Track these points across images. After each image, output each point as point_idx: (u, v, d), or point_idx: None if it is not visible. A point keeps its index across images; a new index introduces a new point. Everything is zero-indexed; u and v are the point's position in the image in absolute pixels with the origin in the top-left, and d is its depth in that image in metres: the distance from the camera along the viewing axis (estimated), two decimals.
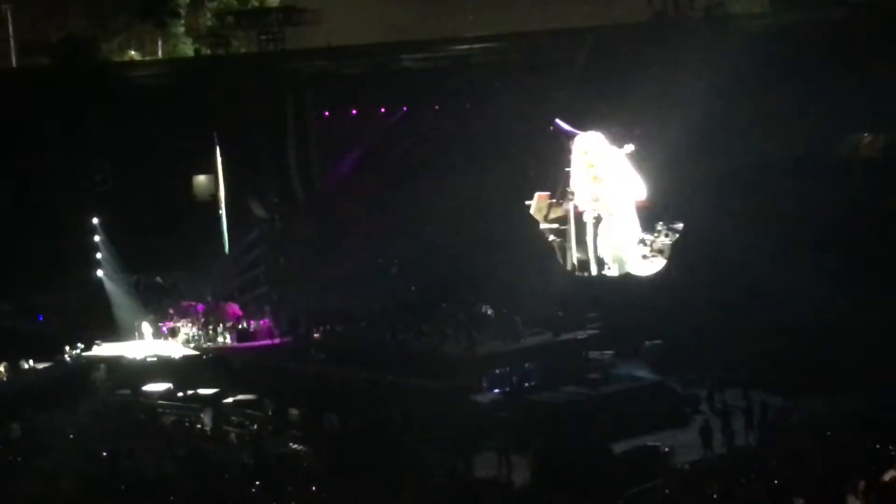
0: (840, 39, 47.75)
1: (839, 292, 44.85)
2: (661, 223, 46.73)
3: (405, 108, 56.55)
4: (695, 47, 47.64)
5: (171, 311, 56.06)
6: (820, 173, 47.68)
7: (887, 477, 28.65)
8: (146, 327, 54.89)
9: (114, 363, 51.88)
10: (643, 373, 47.20)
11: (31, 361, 52.92)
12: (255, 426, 44.17)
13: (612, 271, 51.95)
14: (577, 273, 52.60)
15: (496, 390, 44.38)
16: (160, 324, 55.29)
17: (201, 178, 61.22)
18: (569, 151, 50.70)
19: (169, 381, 49.56)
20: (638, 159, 49.08)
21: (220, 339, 54.02)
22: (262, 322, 54.84)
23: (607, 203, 51.72)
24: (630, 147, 49.07)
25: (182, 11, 68.45)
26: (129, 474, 37.53)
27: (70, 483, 37.10)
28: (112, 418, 46.06)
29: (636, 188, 49.55)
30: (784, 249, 46.33)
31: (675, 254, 50.42)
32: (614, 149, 50.70)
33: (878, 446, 32.54)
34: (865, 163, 49.27)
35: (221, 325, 54.40)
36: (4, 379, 51.73)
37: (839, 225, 46.28)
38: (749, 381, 43.48)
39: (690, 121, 48.25)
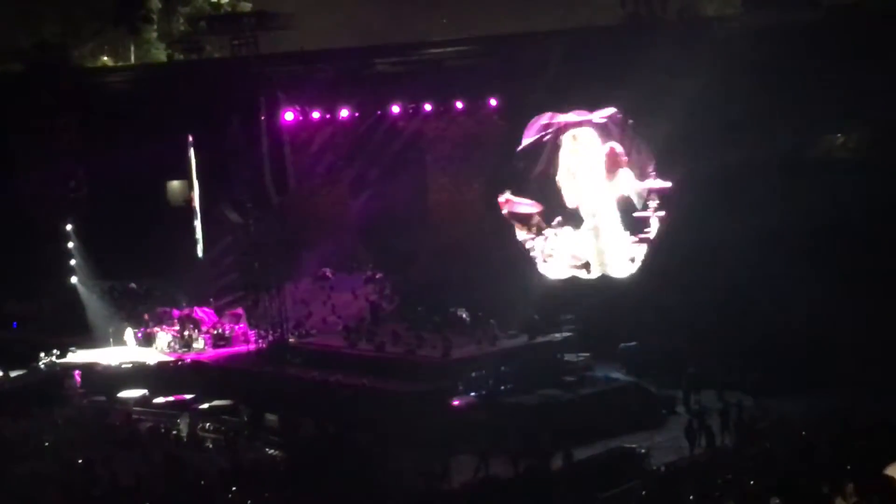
0: (813, 41, 47.87)
1: (814, 293, 44.97)
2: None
3: (379, 112, 56.49)
4: (668, 49, 47.70)
5: (146, 317, 55.90)
6: (794, 174, 47.78)
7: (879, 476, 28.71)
8: (129, 334, 54.69)
9: (89, 370, 51.70)
10: (619, 374, 47.26)
11: (5, 369, 52.74)
12: (232, 432, 44.08)
13: (591, 274, 52.36)
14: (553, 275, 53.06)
15: (472, 393, 44.36)
16: (136, 330, 55.12)
17: (175, 184, 61.14)
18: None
19: (144, 388, 49.48)
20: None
21: (195, 344, 53.90)
22: (237, 327, 54.77)
23: (589, 201, 52.14)
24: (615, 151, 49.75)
25: (155, 17, 68.44)
26: (105, 481, 37.40)
27: (45, 490, 36.98)
28: (87, 425, 45.91)
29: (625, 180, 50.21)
30: (759, 250, 46.42)
31: (651, 255, 50.68)
32: (600, 151, 51.17)
33: (853, 446, 32.64)
34: (839, 163, 49.40)
35: (197, 330, 54.28)
36: None
37: (813, 225, 46.38)
38: (724, 383, 43.59)
39: (664, 123, 48.35)
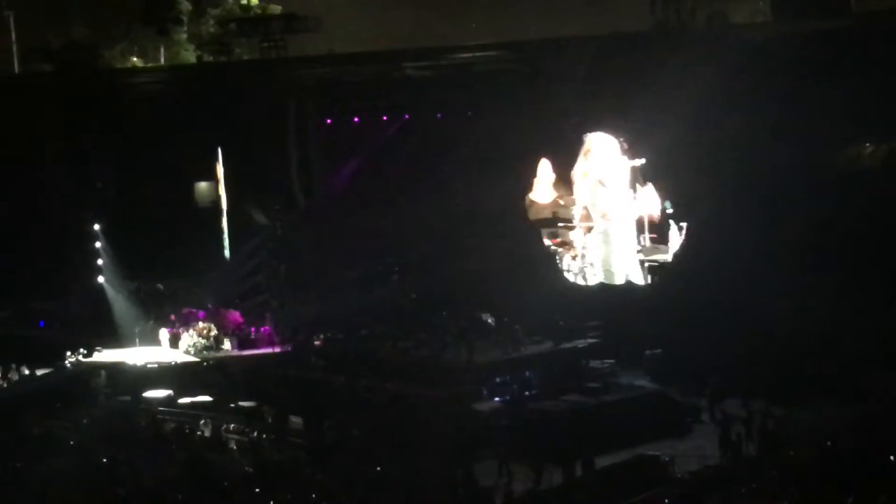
0: (842, 49, 47.76)
1: (840, 301, 44.85)
2: None
3: (406, 116, 56.53)
4: (697, 56, 47.63)
5: (172, 317, 55.95)
6: (822, 183, 47.66)
7: None
8: (163, 334, 54.71)
9: (114, 369, 51.85)
10: (643, 382, 47.19)
11: (31, 368, 52.95)
12: (255, 433, 44.14)
13: (597, 279, 52.34)
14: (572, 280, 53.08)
15: (496, 398, 44.36)
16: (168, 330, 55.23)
17: (202, 185, 61.29)
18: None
19: (169, 388, 49.58)
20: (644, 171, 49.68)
21: (221, 345, 53.94)
22: (262, 329, 54.80)
23: (603, 209, 52.12)
24: (640, 161, 49.67)
25: (184, 18, 68.58)
26: (129, 481, 37.51)
27: (70, 489, 37.11)
28: (112, 425, 46.02)
29: (648, 203, 50.14)
30: (785, 259, 46.31)
31: (677, 262, 50.58)
32: (623, 158, 51.13)
33: (878, 456, 32.53)
34: (867, 172, 49.28)
35: (222, 332, 54.31)
36: (2, 383, 51.86)
37: (840, 234, 46.27)
38: (749, 391, 43.44)
39: (691, 130, 48.26)
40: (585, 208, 53.37)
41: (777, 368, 44.73)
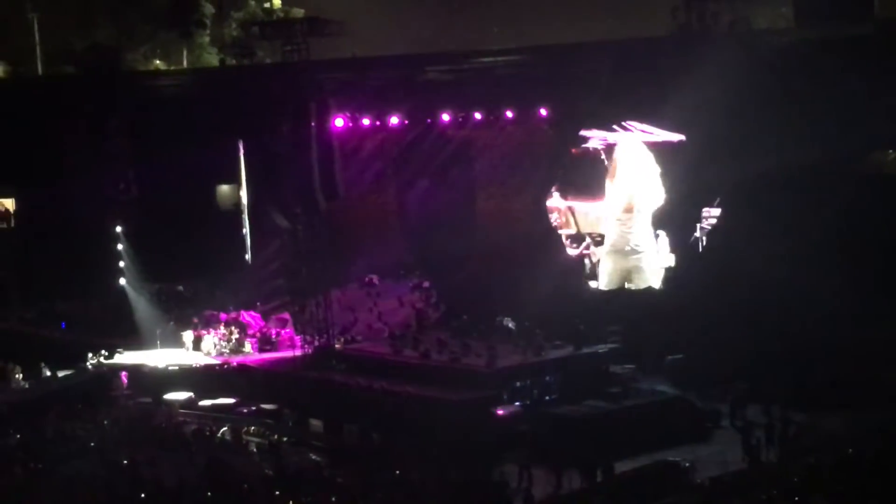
0: (864, 55, 47.63)
1: (862, 308, 44.73)
2: None
3: (428, 120, 56.59)
4: (719, 61, 47.52)
5: (195, 320, 56.06)
6: (844, 189, 47.54)
7: None
8: (188, 335, 54.76)
9: (136, 371, 51.97)
10: (664, 387, 47.10)
11: (53, 369, 53.14)
12: (276, 436, 44.23)
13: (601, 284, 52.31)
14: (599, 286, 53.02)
15: (516, 403, 44.34)
16: (194, 332, 55.30)
17: (225, 188, 61.49)
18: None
19: (190, 390, 49.71)
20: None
21: (242, 348, 54.02)
22: (283, 332, 54.89)
23: (620, 212, 52.06)
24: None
25: (207, 21, 68.84)
26: (149, 483, 37.61)
27: (90, 491, 37.23)
28: (133, 426, 46.17)
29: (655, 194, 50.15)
30: (807, 265, 46.18)
31: (698, 267, 50.51)
32: (643, 161, 51.11)
33: None
34: (889, 179, 49.16)
35: (243, 334, 54.41)
36: (23, 384, 52.05)
37: (862, 241, 46.15)
38: (770, 397, 43.37)
39: (713, 134, 48.19)
40: (565, 214, 53.32)
41: (798, 374, 44.66)
